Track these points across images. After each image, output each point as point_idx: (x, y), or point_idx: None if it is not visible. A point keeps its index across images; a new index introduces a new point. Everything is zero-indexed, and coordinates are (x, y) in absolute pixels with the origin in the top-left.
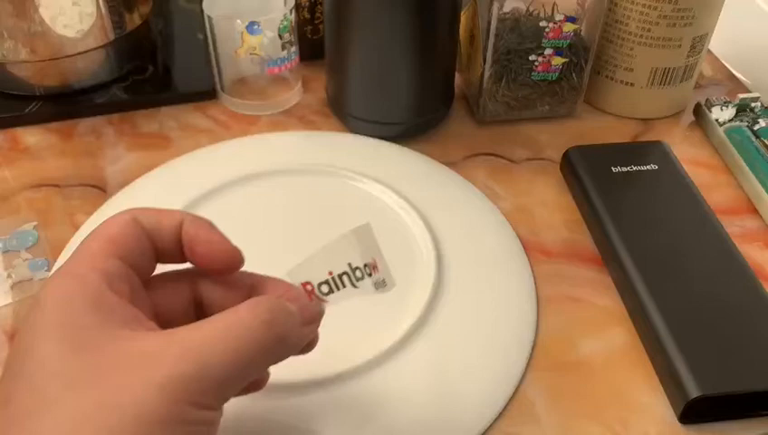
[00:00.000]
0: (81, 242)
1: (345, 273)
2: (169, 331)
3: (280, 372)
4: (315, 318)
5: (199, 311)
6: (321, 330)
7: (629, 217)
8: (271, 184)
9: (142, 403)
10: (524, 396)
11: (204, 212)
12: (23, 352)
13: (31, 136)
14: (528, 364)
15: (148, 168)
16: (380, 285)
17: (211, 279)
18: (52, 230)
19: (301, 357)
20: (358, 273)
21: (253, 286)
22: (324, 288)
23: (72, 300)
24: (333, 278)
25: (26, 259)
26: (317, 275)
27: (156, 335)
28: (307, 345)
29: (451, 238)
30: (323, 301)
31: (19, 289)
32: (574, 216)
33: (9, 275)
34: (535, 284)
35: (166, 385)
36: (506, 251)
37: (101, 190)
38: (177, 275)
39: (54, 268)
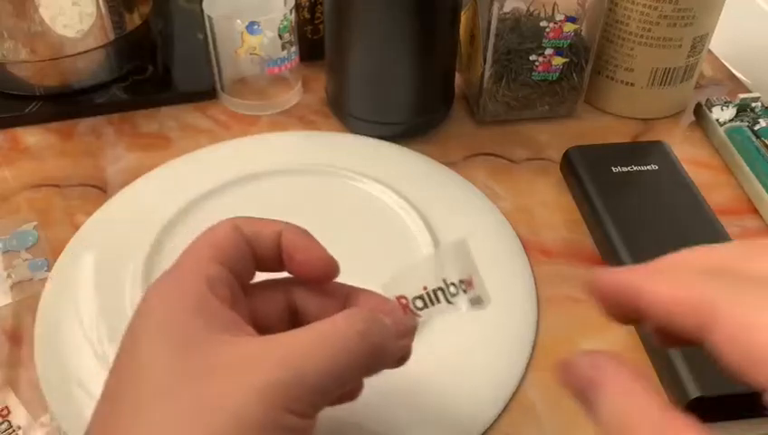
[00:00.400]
0: (187, 247)
1: (440, 288)
2: (268, 337)
3: None
4: (409, 332)
5: (294, 319)
6: None
7: (630, 217)
8: (270, 184)
9: (242, 407)
10: (525, 396)
11: (203, 212)
12: (129, 351)
13: (31, 136)
14: (528, 364)
15: (149, 168)
16: (476, 302)
17: (306, 288)
18: (52, 230)
19: None
20: (452, 289)
21: (347, 297)
22: (419, 303)
23: (177, 302)
24: (428, 293)
25: (26, 259)
26: (411, 290)
27: (255, 341)
28: (401, 359)
29: (451, 238)
30: (417, 316)
31: (19, 289)
32: (574, 216)
33: (9, 275)
34: (535, 284)
35: (264, 390)
36: (506, 251)
37: (101, 190)
38: (274, 284)
39: (54, 268)
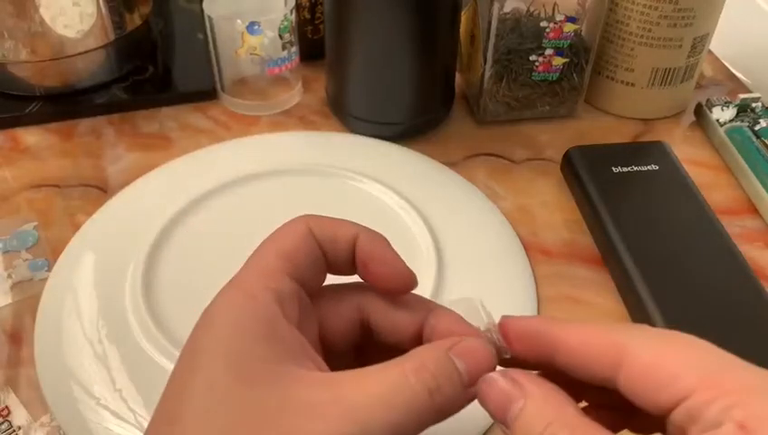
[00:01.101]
0: (255, 252)
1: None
2: (334, 379)
3: None
4: (482, 373)
5: (366, 328)
6: None
7: (630, 217)
8: (270, 184)
9: None
10: None
11: (204, 213)
12: (189, 371)
13: (31, 136)
14: None
15: (149, 168)
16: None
17: (380, 298)
18: (52, 230)
19: None
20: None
21: (427, 316)
22: None
23: (245, 323)
24: None
25: (26, 259)
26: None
27: (321, 386)
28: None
29: (451, 238)
30: (506, 352)
31: (19, 289)
32: (574, 216)
33: (9, 276)
34: (536, 284)
35: None
36: (507, 251)
37: (102, 190)
38: (345, 290)
39: (54, 268)
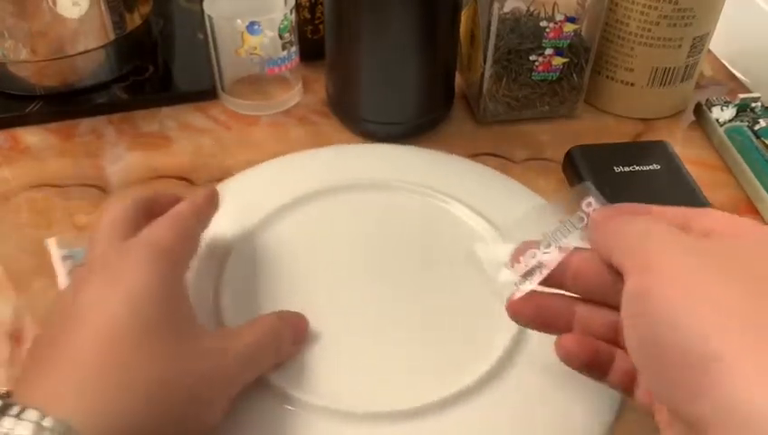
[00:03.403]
0: (172, 215)
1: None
2: (223, 334)
3: (364, 401)
4: (302, 334)
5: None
6: (399, 362)
7: None
8: (366, 196)
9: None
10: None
11: (287, 221)
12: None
13: (31, 136)
14: (618, 414)
15: (149, 167)
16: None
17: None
18: (52, 230)
19: (382, 389)
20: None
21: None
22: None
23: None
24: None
25: None
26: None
27: (215, 339)
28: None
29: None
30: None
31: None
32: None
33: None
34: None
35: None
36: None
37: (102, 190)
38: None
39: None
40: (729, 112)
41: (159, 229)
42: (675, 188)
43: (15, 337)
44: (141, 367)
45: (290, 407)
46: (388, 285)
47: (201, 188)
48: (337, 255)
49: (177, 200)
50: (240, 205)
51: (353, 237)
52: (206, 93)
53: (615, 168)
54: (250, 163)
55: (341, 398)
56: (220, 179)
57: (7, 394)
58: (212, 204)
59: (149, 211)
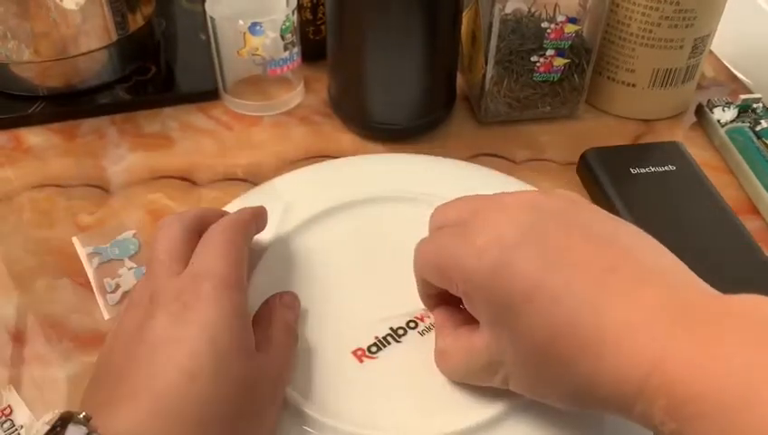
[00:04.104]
0: (222, 241)
1: None
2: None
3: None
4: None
5: None
6: (428, 385)
7: (651, 218)
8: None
9: None
10: None
11: (332, 224)
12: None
13: (34, 136)
14: None
15: (151, 167)
16: None
17: None
18: (54, 231)
19: (408, 414)
20: None
21: None
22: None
23: (235, 317)
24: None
25: (131, 268)
26: None
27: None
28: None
29: None
30: None
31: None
32: None
33: (118, 285)
34: None
35: None
36: None
37: (104, 191)
38: None
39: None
40: (730, 113)
41: (217, 261)
42: (692, 189)
43: (18, 337)
44: (218, 401)
45: (308, 428)
46: (416, 304)
47: (248, 206)
48: (370, 266)
49: (222, 215)
50: (273, 210)
51: (391, 250)
52: (208, 94)
53: (631, 169)
54: (252, 164)
55: (364, 421)
56: (222, 180)
57: (86, 418)
58: (259, 223)
59: (199, 230)
